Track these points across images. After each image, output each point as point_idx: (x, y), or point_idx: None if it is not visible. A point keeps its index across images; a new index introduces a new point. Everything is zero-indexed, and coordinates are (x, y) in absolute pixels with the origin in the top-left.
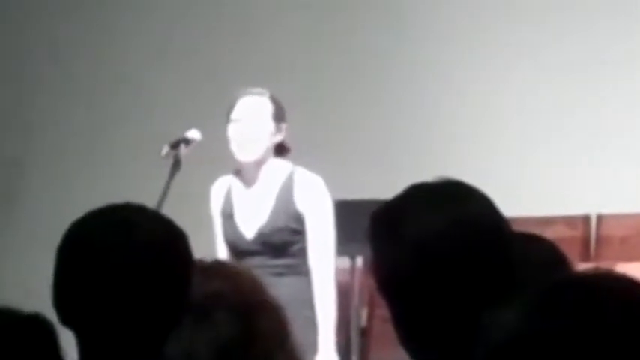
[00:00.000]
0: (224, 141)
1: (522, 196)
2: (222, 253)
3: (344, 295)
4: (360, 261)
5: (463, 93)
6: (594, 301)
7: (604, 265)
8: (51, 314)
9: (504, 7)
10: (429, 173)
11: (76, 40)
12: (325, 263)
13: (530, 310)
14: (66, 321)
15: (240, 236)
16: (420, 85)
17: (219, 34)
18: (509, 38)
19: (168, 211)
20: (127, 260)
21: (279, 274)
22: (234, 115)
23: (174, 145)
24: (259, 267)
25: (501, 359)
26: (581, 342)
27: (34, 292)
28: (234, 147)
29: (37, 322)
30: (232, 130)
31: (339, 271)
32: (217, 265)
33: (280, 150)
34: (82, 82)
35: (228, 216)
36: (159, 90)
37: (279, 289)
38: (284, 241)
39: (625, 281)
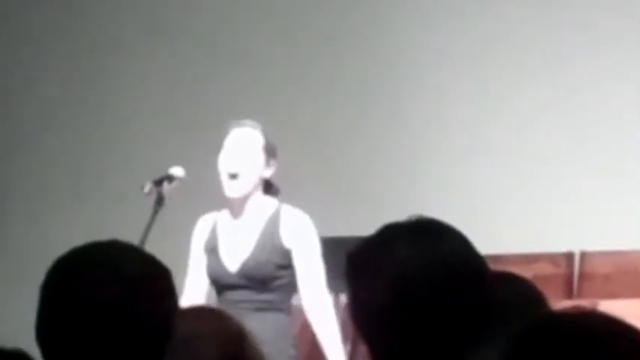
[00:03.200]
0: (208, 178)
1: (506, 233)
2: (192, 287)
3: None
4: (343, 297)
5: (446, 131)
6: (574, 340)
7: (587, 302)
8: (33, 351)
9: (486, 45)
10: (412, 211)
11: (59, 74)
12: (318, 290)
13: (510, 351)
14: (49, 357)
15: (223, 269)
16: (403, 123)
17: (204, 71)
18: (493, 75)
19: (152, 247)
20: (110, 297)
21: (262, 310)
22: (226, 144)
23: (158, 182)
24: (242, 302)
25: None
26: None
27: (18, 329)
28: (223, 177)
29: (19, 358)
30: (222, 159)
31: None
32: (201, 309)
33: (268, 188)
34: (65, 118)
35: (212, 249)
36: (143, 126)
37: (263, 324)
38: (267, 276)
39: (605, 320)
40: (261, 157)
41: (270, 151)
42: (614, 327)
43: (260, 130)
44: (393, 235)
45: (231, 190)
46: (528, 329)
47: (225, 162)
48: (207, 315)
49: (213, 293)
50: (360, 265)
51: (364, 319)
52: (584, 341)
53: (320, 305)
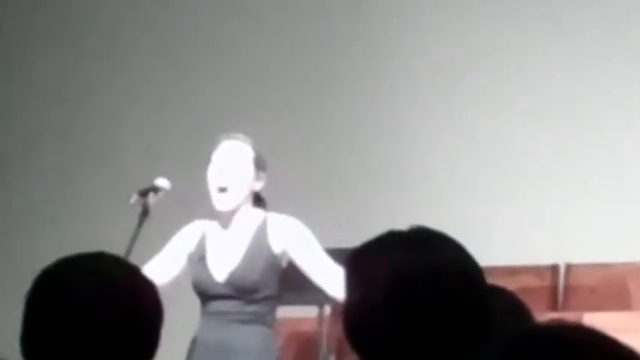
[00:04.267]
0: (194, 189)
1: (490, 246)
2: (151, 269)
3: (312, 343)
4: (327, 310)
5: (433, 144)
6: (556, 354)
7: (572, 315)
8: None
9: (479, 54)
10: (400, 222)
11: (48, 86)
12: (334, 274)
13: None
14: None
15: (210, 279)
16: (393, 134)
17: (192, 82)
18: (483, 87)
19: (137, 259)
20: (95, 308)
21: (247, 322)
22: (215, 158)
23: (143, 193)
24: (227, 313)
25: None
26: None
27: (3, 342)
28: (212, 190)
29: None
30: (211, 172)
31: (307, 320)
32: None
33: (257, 201)
34: (52, 128)
35: (199, 259)
36: (128, 137)
37: (247, 336)
38: (254, 286)
39: (588, 333)
40: (250, 170)
41: (260, 165)
42: (597, 340)
43: (249, 144)
44: (391, 240)
45: (221, 203)
46: (510, 342)
47: (215, 175)
48: None
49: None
50: (355, 270)
51: (357, 323)
52: (566, 354)
53: (338, 276)
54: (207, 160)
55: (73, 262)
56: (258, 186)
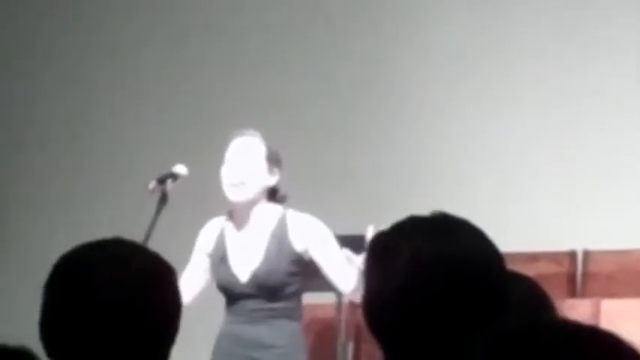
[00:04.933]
0: (211, 176)
1: (508, 232)
2: (187, 287)
3: (330, 330)
4: (345, 297)
5: (450, 130)
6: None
7: (590, 301)
8: (37, 350)
9: (488, 46)
10: (415, 209)
11: (61, 74)
12: (348, 274)
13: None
14: (53, 355)
15: (235, 279)
16: (408, 121)
17: (207, 70)
18: (495, 75)
19: (155, 245)
20: (115, 294)
21: (275, 317)
22: (227, 156)
23: (162, 180)
24: (253, 310)
25: None
26: None
27: (20, 328)
28: (226, 187)
29: (23, 355)
30: (225, 171)
31: (325, 307)
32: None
33: (274, 195)
34: (68, 116)
35: (221, 259)
36: (146, 123)
37: (274, 331)
38: (278, 284)
39: (591, 331)
40: (263, 165)
41: (273, 160)
42: (599, 336)
43: (261, 139)
44: (412, 225)
45: (235, 195)
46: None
47: (228, 173)
48: None
49: (216, 300)
50: (378, 251)
51: (376, 308)
52: (568, 349)
53: (351, 280)
54: (222, 160)
55: (92, 248)
56: (273, 181)
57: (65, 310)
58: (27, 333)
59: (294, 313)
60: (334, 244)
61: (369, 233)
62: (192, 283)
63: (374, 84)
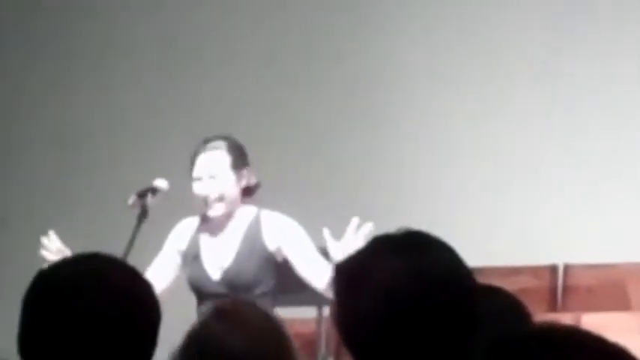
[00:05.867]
0: (191, 189)
1: (489, 246)
2: (152, 273)
3: (310, 344)
4: (326, 310)
5: (431, 143)
6: (545, 355)
7: (571, 315)
8: None
9: (475, 53)
10: (396, 222)
11: (43, 89)
12: (322, 269)
13: None
14: None
15: (206, 277)
16: (389, 137)
17: (187, 79)
18: (477, 88)
19: (135, 260)
20: (93, 309)
21: None
22: (195, 174)
23: (142, 195)
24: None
25: None
26: None
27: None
28: (201, 206)
29: None
30: (196, 189)
31: (305, 321)
32: (240, 314)
33: (247, 191)
34: (49, 129)
35: (194, 257)
36: (126, 138)
37: None
38: (249, 283)
39: (579, 334)
40: (231, 177)
41: (239, 164)
42: (585, 339)
43: (224, 149)
44: (383, 246)
45: (212, 212)
46: (495, 345)
47: (199, 191)
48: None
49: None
50: (350, 276)
51: (353, 331)
52: (552, 355)
53: (325, 274)
54: (190, 178)
55: (70, 263)
56: (243, 184)
57: (44, 325)
58: (5, 348)
59: None
60: (307, 241)
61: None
62: (159, 278)
63: (361, 88)
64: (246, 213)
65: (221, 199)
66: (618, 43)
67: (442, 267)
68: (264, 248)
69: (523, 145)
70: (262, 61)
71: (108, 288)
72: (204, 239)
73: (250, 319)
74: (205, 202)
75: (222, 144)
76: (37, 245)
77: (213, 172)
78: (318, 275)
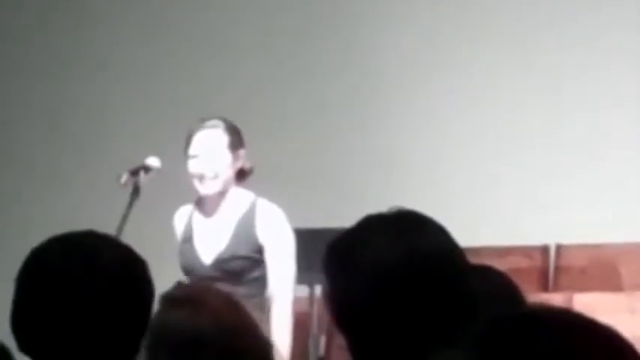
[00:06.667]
0: (184, 168)
1: (481, 226)
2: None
3: (302, 323)
4: (318, 290)
5: (422, 125)
6: (535, 337)
7: (563, 295)
8: (9, 342)
9: (465, 39)
10: (388, 202)
11: (37, 65)
12: (283, 295)
13: (474, 350)
14: (24, 348)
15: (198, 261)
16: (382, 116)
17: (181, 59)
18: (469, 70)
19: (128, 238)
20: (87, 287)
21: None
22: (191, 152)
23: (134, 172)
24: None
25: None
26: None
27: None
28: (195, 183)
29: None
30: (191, 167)
31: (297, 300)
32: (206, 298)
33: (242, 175)
34: (42, 107)
35: (187, 240)
36: (119, 116)
37: None
38: (242, 269)
39: (569, 316)
40: (227, 156)
41: (236, 145)
42: (575, 321)
43: (222, 128)
44: (373, 226)
45: (204, 189)
46: (490, 327)
47: (194, 169)
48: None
49: None
50: (340, 256)
51: (342, 310)
52: (549, 338)
53: (281, 303)
54: (185, 157)
55: (63, 241)
56: (239, 164)
57: (37, 303)
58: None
59: (255, 299)
60: (288, 252)
61: None
62: None
63: (353, 74)
64: (242, 198)
65: (216, 176)
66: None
67: (434, 246)
68: (255, 239)
69: (515, 126)
70: (259, 42)
71: (101, 265)
72: (198, 223)
73: (208, 303)
74: (200, 179)
75: (220, 123)
76: (28, 222)
77: (210, 149)
78: (278, 294)
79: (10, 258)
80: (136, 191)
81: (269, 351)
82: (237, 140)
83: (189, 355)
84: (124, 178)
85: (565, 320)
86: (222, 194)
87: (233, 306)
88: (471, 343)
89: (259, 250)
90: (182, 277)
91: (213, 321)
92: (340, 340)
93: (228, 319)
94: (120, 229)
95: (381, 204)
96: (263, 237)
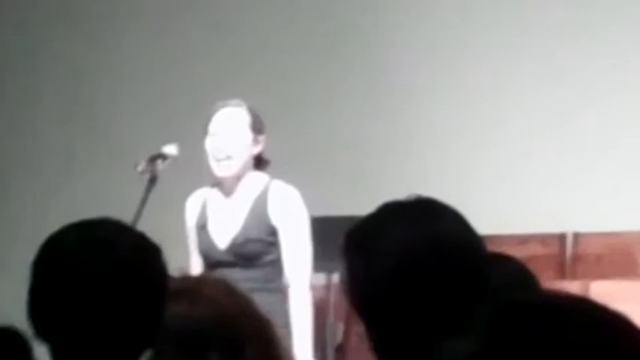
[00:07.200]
0: (201, 156)
1: (498, 214)
2: (196, 267)
3: (320, 311)
4: (336, 277)
5: (440, 111)
6: (548, 324)
7: (579, 283)
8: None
9: (480, 21)
10: (405, 190)
11: (55, 51)
12: (300, 275)
13: (482, 336)
14: (40, 335)
15: (213, 246)
16: (397, 104)
17: (197, 46)
18: (485, 55)
19: (144, 226)
20: (102, 274)
21: (252, 290)
22: (211, 129)
23: (151, 160)
24: (232, 280)
25: None
26: None
27: (8, 307)
28: (212, 161)
29: (10, 334)
30: (210, 144)
31: (315, 288)
32: (201, 288)
33: (259, 162)
34: (60, 95)
35: (201, 226)
36: (136, 103)
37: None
38: (256, 252)
39: (583, 304)
40: (248, 136)
41: (257, 128)
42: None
43: (245, 108)
44: (392, 213)
45: (221, 170)
46: (500, 314)
47: (213, 146)
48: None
49: None
50: (359, 242)
51: (362, 297)
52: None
53: (299, 285)
54: (204, 132)
55: (79, 228)
56: (258, 149)
57: (53, 290)
58: (15, 313)
59: (273, 284)
60: (302, 232)
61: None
62: (199, 262)
63: (366, 58)
64: (256, 180)
65: (233, 157)
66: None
67: (452, 233)
68: (268, 221)
69: (534, 113)
70: (274, 27)
71: (116, 252)
72: (213, 208)
73: (205, 293)
74: (216, 159)
75: (243, 104)
76: (44, 210)
77: (231, 127)
78: (294, 277)
79: (26, 246)
80: (153, 179)
81: (271, 331)
82: (259, 123)
83: (193, 347)
84: (142, 165)
85: (574, 307)
86: (238, 179)
87: (230, 291)
88: (479, 330)
89: (272, 232)
90: (183, 266)
91: (212, 310)
92: (358, 328)
93: (227, 305)
94: (137, 217)
95: (398, 192)
96: (275, 218)
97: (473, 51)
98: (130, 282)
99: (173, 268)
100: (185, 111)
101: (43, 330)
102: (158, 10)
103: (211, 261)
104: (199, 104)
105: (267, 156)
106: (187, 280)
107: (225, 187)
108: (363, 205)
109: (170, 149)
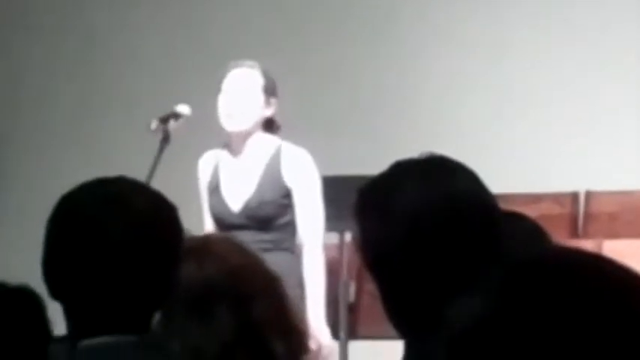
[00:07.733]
0: (214, 115)
1: (511, 173)
2: (209, 228)
3: (332, 271)
4: (348, 237)
5: (451, 70)
6: (561, 283)
7: (592, 242)
8: (39, 289)
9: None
10: (417, 149)
11: (63, 14)
12: (314, 236)
13: (495, 295)
14: (55, 294)
15: (226, 209)
16: (408, 62)
17: (209, 7)
18: (495, 15)
19: (158, 184)
20: (117, 232)
21: (265, 250)
22: (224, 86)
23: (164, 120)
24: (244, 242)
25: (464, 346)
26: (545, 325)
27: (22, 267)
28: (223, 118)
29: (25, 294)
30: (222, 101)
31: (327, 247)
32: (209, 246)
33: (270, 126)
34: (70, 56)
35: (214, 189)
36: (148, 63)
37: (271, 264)
38: (270, 215)
39: (595, 261)
40: (260, 96)
41: (270, 90)
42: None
43: (258, 69)
44: (405, 172)
45: (231, 125)
46: (512, 272)
47: (225, 103)
48: (216, 259)
49: None
50: (372, 201)
51: (375, 255)
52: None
53: (313, 246)
54: (217, 90)
55: (93, 187)
56: (269, 112)
57: (68, 250)
58: (30, 273)
59: (286, 245)
60: (315, 194)
61: None
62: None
63: (376, 26)
64: (267, 143)
65: (244, 113)
66: None
67: (466, 191)
68: (282, 183)
69: (545, 71)
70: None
71: (132, 210)
72: (225, 170)
73: (212, 251)
74: (227, 114)
75: (257, 65)
76: (58, 169)
77: (244, 87)
78: (308, 236)
79: (40, 205)
80: (165, 138)
81: (280, 286)
82: (271, 86)
83: (202, 305)
84: (154, 125)
85: (589, 264)
86: (247, 136)
87: (236, 248)
88: (492, 289)
89: (287, 194)
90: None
91: (219, 267)
92: (370, 286)
93: (234, 262)
94: (150, 176)
95: (410, 151)
96: (289, 180)
97: (485, 9)
98: (146, 240)
99: (185, 228)
100: (199, 70)
101: (57, 289)
102: None
103: (224, 223)
104: (213, 64)
105: (278, 120)
106: (193, 240)
107: (236, 146)
108: (375, 163)
109: (183, 108)
